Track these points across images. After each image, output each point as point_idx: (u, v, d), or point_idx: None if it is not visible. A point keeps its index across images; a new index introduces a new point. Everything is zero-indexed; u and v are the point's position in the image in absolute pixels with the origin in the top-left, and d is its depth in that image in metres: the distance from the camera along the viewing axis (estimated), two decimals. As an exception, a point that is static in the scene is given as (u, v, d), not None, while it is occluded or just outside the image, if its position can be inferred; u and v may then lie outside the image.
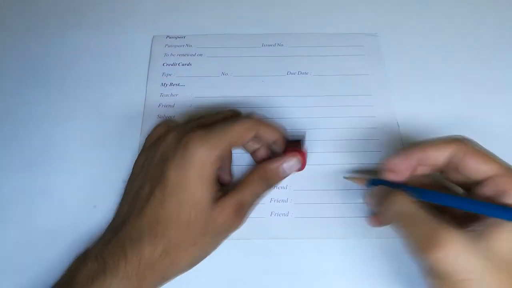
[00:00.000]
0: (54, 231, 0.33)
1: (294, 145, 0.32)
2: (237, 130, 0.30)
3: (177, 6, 0.46)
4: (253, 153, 0.35)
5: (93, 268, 0.26)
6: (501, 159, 0.27)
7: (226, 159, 0.34)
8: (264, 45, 0.43)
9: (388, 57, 0.42)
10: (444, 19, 0.45)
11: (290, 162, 0.32)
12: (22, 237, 0.34)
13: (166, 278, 0.29)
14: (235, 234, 0.33)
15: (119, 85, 0.41)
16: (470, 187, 0.27)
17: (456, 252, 0.22)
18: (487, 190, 0.26)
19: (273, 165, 0.32)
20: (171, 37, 0.44)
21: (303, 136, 0.32)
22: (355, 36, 0.43)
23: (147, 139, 0.34)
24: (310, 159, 0.36)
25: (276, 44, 0.43)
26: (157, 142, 0.31)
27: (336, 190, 0.35)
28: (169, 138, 0.30)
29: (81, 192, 0.35)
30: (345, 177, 0.35)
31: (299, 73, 0.41)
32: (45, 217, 0.34)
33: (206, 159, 0.28)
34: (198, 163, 0.28)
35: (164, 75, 0.41)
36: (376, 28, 0.44)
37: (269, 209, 0.35)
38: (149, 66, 0.42)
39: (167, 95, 0.40)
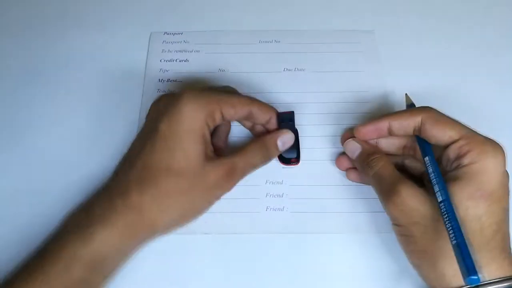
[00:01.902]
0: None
1: (286, 120, 0.34)
2: (232, 101, 0.30)
3: (174, 2, 0.46)
4: (251, 129, 0.36)
5: (80, 217, 0.27)
6: (462, 124, 0.29)
7: (223, 127, 0.35)
8: (261, 42, 0.43)
9: (384, 54, 0.42)
10: (440, 16, 0.45)
11: (285, 137, 0.33)
12: (22, 238, 0.33)
13: (156, 227, 0.29)
14: (231, 229, 0.34)
15: (117, 82, 0.41)
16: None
17: (405, 202, 0.27)
18: (451, 154, 0.28)
19: (270, 138, 0.33)
20: (168, 34, 0.44)
21: (293, 112, 0.34)
22: (352, 33, 0.44)
23: None
24: (306, 154, 0.37)
25: (273, 40, 0.43)
26: (152, 105, 0.32)
27: (331, 186, 0.36)
28: (163, 98, 0.31)
29: (81, 193, 0.35)
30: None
31: (296, 69, 0.42)
32: (45, 217, 0.34)
33: (196, 114, 0.29)
34: (189, 116, 0.28)
35: (161, 71, 0.42)
36: (373, 25, 0.44)
37: (265, 204, 0.35)
38: (146, 62, 0.42)
39: (164, 91, 0.40)
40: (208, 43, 0.43)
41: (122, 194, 0.27)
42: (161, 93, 0.40)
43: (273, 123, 0.34)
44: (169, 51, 0.43)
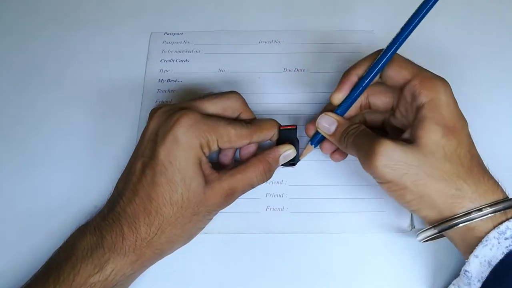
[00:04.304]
0: (54, 232, 0.33)
1: (288, 133, 0.34)
2: (229, 135, 0.30)
3: (175, 2, 0.46)
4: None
5: (92, 241, 0.27)
6: (413, 64, 0.30)
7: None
8: (261, 42, 0.43)
9: (384, 54, 0.42)
10: (441, 15, 0.45)
11: (287, 153, 0.33)
12: (22, 239, 0.34)
13: (164, 254, 0.30)
14: (231, 228, 0.34)
15: (117, 82, 0.41)
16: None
17: (388, 159, 0.27)
18: (407, 95, 0.30)
19: (272, 157, 0.32)
20: (169, 34, 0.44)
21: (296, 128, 0.34)
22: (352, 33, 0.44)
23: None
24: (307, 154, 0.37)
25: (273, 41, 0.43)
26: (150, 117, 0.31)
27: (331, 186, 0.36)
28: (160, 113, 0.30)
29: (81, 193, 0.36)
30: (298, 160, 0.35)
31: (296, 70, 0.42)
32: (45, 217, 0.35)
33: (192, 144, 0.28)
34: (187, 145, 0.28)
35: (161, 71, 0.42)
36: (373, 25, 0.44)
37: (265, 203, 0.35)
38: (146, 62, 0.42)
39: (165, 91, 0.40)
40: (208, 43, 0.43)
41: (130, 224, 0.28)
42: (159, 102, 0.40)
43: (274, 137, 0.34)
44: (169, 51, 0.43)
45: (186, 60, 0.42)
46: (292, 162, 0.34)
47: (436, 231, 0.28)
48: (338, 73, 0.41)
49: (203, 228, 0.32)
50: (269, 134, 0.33)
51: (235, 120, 0.32)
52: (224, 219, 0.34)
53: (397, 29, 0.43)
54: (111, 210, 0.29)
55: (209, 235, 0.33)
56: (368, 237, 0.34)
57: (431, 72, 0.30)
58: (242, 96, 0.33)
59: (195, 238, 0.31)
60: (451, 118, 0.28)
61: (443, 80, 0.29)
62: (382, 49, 0.30)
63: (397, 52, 0.30)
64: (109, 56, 0.43)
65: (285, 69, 0.42)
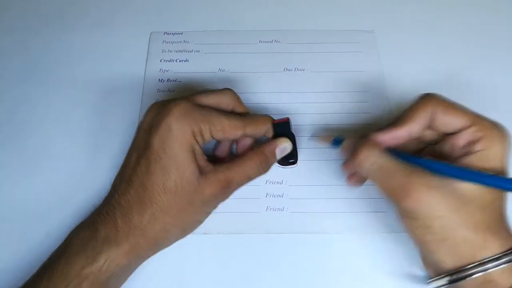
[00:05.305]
0: (53, 232, 0.33)
1: (282, 127, 0.33)
2: (222, 125, 0.30)
3: (174, 2, 0.46)
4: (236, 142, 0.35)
5: (86, 235, 0.27)
6: (470, 110, 0.28)
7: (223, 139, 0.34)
8: (261, 42, 0.43)
9: (384, 54, 0.42)
10: (440, 15, 0.45)
11: (282, 146, 0.33)
12: (22, 239, 0.34)
13: (160, 244, 0.30)
14: (231, 228, 0.34)
15: (117, 82, 0.41)
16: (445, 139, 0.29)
17: (426, 198, 0.26)
18: (460, 140, 0.28)
19: (269, 149, 0.32)
20: (168, 34, 0.44)
21: (288, 120, 0.33)
22: (352, 33, 0.44)
23: None
24: (306, 154, 0.37)
25: (273, 40, 0.43)
26: (146, 112, 0.31)
27: (331, 185, 0.36)
28: (154, 107, 0.31)
29: (81, 192, 0.35)
30: (311, 137, 0.35)
31: (296, 69, 0.42)
32: (44, 217, 0.35)
33: (185, 131, 0.28)
34: (179, 134, 0.28)
35: (161, 71, 0.42)
36: (373, 25, 0.44)
37: (265, 204, 0.35)
38: (146, 62, 0.42)
39: (164, 91, 0.40)
40: (208, 43, 0.43)
41: (124, 215, 0.28)
42: (157, 100, 0.39)
43: (269, 133, 0.33)
44: (169, 51, 0.43)
45: (186, 60, 0.42)
46: (292, 161, 0.34)
47: (447, 281, 0.26)
48: (338, 72, 0.41)
49: (201, 221, 0.31)
50: (263, 127, 0.32)
51: (229, 112, 0.32)
52: (224, 219, 0.34)
53: (397, 29, 0.44)
54: (105, 204, 0.29)
55: (209, 235, 0.33)
56: (368, 237, 0.34)
57: (489, 120, 0.28)
58: (236, 93, 0.33)
59: (195, 238, 0.31)
60: (500, 170, 0.27)
61: (501, 130, 0.27)
62: (433, 97, 0.29)
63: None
64: (109, 56, 0.43)
65: (285, 69, 0.42)
